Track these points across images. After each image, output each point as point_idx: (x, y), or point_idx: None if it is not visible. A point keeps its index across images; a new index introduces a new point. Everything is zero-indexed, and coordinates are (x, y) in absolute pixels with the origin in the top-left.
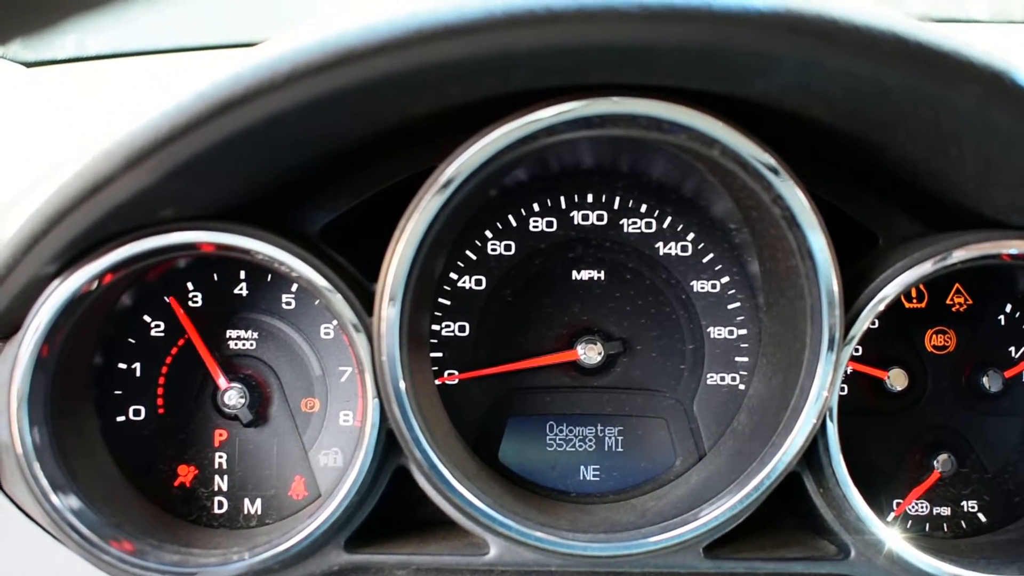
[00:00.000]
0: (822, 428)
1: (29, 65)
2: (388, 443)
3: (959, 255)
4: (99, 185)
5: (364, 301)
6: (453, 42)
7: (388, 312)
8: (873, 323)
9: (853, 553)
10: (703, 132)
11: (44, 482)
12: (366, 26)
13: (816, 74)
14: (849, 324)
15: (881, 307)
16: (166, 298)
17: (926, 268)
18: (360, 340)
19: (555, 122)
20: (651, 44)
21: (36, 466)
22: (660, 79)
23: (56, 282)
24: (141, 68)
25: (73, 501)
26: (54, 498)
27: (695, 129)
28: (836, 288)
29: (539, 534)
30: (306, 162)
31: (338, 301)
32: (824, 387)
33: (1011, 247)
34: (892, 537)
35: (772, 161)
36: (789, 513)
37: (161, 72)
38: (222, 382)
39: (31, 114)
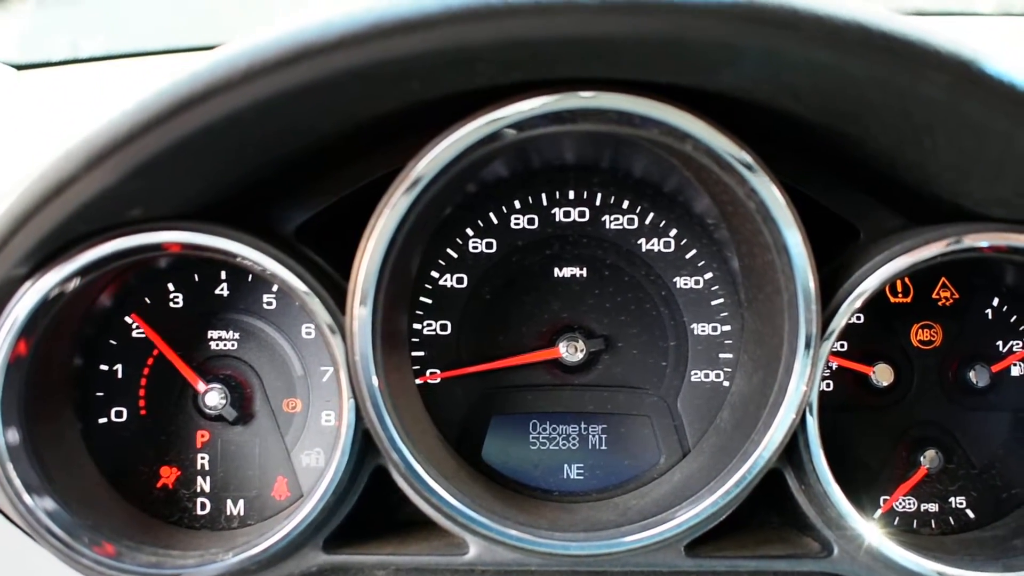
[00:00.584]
0: (802, 424)
1: (20, 68)
2: (365, 443)
3: (936, 248)
4: (62, 185)
5: (340, 301)
6: (411, 37)
7: (360, 312)
8: (858, 318)
9: (836, 550)
10: (675, 126)
11: (17, 483)
12: (323, 21)
13: (781, 65)
14: (828, 319)
15: (860, 302)
16: (144, 301)
17: (904, 262)
18: (335, 340)
19: (523, 118)
20: (609, 37)
21: (9, 467)
22: (626, 72)
23: (28, 283)
24: (134, 70)
25: (48, 503)
26: (27, 499)
27: (667, 123)
28: (812, 284)
29: (517, 533)
30: (275, 161)
31: (312, 301)
32: (802, 383)
33: (989, 239)
34: (873, 533)
35: (746, 156)
36: (773, 511)
37: (153, 74)
38: (200, 386)
39: (22, 117)
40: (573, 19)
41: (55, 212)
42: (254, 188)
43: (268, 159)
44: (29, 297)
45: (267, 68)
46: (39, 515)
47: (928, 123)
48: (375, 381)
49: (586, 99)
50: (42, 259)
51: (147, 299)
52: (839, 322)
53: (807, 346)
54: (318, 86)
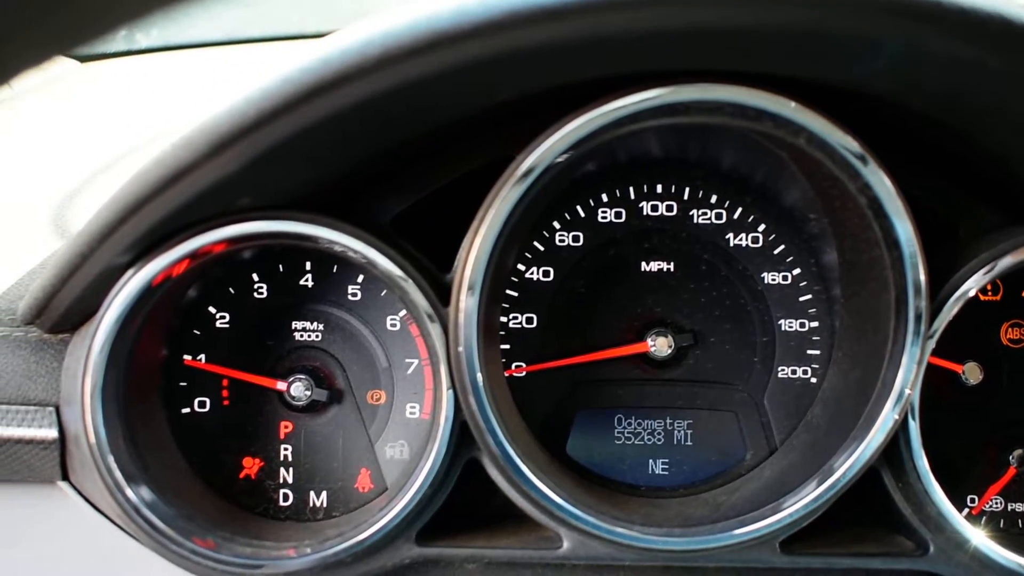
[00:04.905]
0: (903, 422)
1: (83, 59)
2: (460, 435)
3: None
4: (180, 173)
5: (437, 291)
6: (548, 25)
7: (466, 302)
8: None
9: (932, 549)
10: (790, 120)
11: (118, 474)
12: (458, 9)
13: (917, 58)
14: (932, 317)
15: (965, 299)
16: (228, 292)
17: (1013, 260)
18: (435, 330)
19: (640, 109)
20: (751, 27)
21: (110, 458)
22: (752, 64)
23: (130, 272)
24: (189, 61)
25: (146, 493)
26: (128, 491)
27: (782, 117)
28: (923, 278)
29: (614, 528)
30: (385, 149)
31: (413, 290)
32: (907, 382)
33: None
34: (975, 533)
35: (859, 149)
36: (862, 509)
37: (209, 65)
38: (280, 385)
39: (87, 106)
40: (715, 10)
41: (168, 200)
42: (355, 178)
43: (379, 148)
44: (131, 286)
45: (400, 56)
46: (139, 506)
47: None
48: (478, 372)
49: (702, 91)
50: (145, 248)
51: (232, 290)
52: (942, 320)
53: (915, 340)
54: (449, 75)
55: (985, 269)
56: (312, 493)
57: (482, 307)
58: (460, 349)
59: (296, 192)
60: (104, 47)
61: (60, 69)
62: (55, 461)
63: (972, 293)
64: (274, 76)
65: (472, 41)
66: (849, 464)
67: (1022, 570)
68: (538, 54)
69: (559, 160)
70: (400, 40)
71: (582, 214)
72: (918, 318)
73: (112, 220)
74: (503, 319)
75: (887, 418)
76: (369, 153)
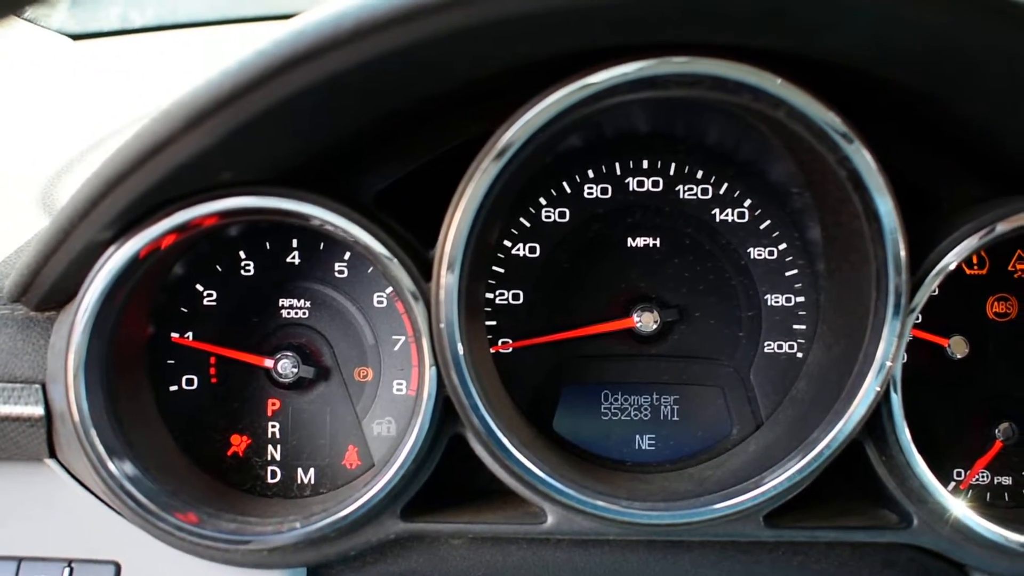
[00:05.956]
0: (885, 395)
1: (76, 38)
2: (444, 411)
3: None
4: (159, 146)
5: (420, 268)
6: None
7: (447, 279)
8: (934, 290)
9: (916, 522)
10: (770, 93)
11: (100, 449)
12: None
13: (889, 26)
14: (914, 289)
15: (946, 273)
16: (215, 269)
17: (994, 232)
18: (418, 307)
19: (617, 83)
20: None
21: (92, 433)
22: (727, 36)
23: (112, 248)
24: (182, 41)
25: (129, 468)
26: (111, 465)
27: (761, 89)
28: (903, 252)
29: (598, 502)
30: (367, 123)
31: (396, 267)
32: (888, 354)
33: None
34: (957, 505)
35: (839, 122)
36: (846, 482)
37: (202, 44)
38: (267, 363)
39: (79, 85)
40: None
41: (149, 174)
42: (336, 154)
43: (360, 122)
44: (114, 261)
45: (376, 27)
46: (122, 481)
47: None
48: (460, 348)
49: (680, 64)
50: (128, 223)
51: (218, 267)
52: (924, 293)
53: (896, 314)
54: (427, 46)
55: (982, 233)
56: (300, 470)
57: (463, 283)
58: (441, 325)
59: (277, 167)
60: (97, 25)
61: (52, 47)
62: (42, 438)
63: (953, 267)
64: (251, 49)
65: (452, 11)
66: (831, 437)
67: (1003, 541)
68: (517, 25)
69: (538, 135)
70: (375, 12)
71: (568, 190)
72: (898, 292)
73: (92, 195)
74: (489, 295)
75: (869, 391)
76: (350, 127)
